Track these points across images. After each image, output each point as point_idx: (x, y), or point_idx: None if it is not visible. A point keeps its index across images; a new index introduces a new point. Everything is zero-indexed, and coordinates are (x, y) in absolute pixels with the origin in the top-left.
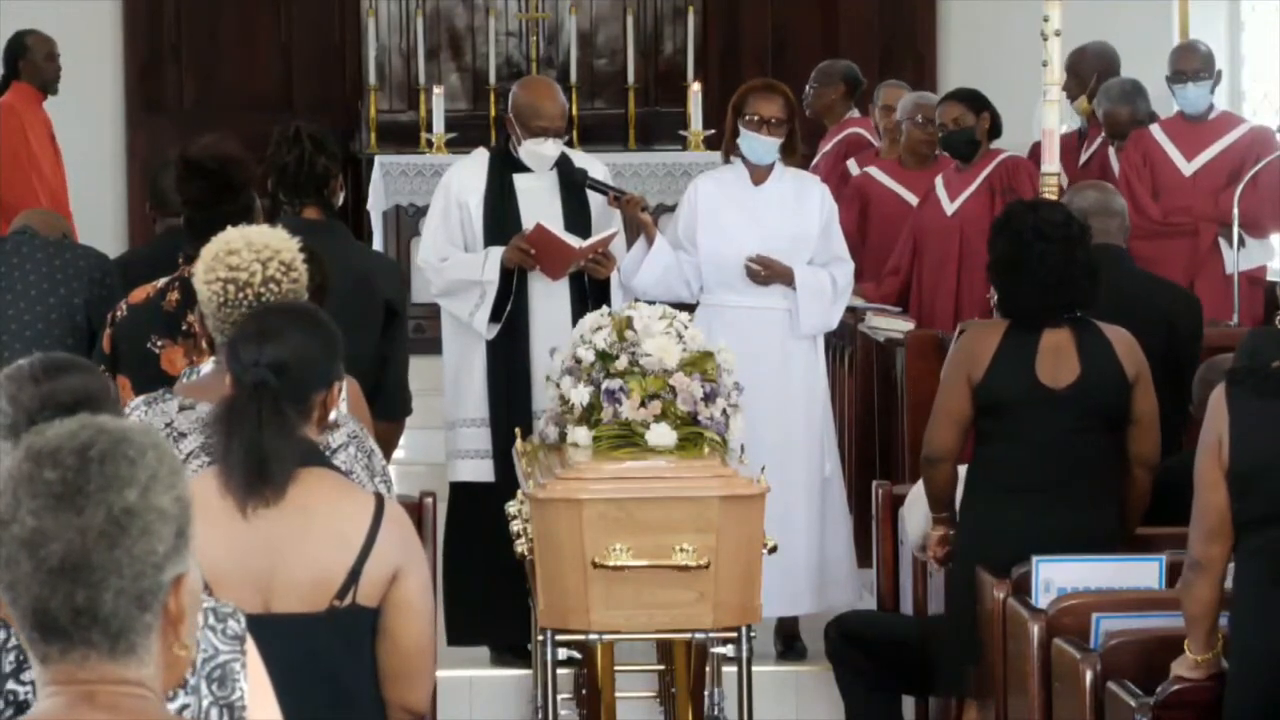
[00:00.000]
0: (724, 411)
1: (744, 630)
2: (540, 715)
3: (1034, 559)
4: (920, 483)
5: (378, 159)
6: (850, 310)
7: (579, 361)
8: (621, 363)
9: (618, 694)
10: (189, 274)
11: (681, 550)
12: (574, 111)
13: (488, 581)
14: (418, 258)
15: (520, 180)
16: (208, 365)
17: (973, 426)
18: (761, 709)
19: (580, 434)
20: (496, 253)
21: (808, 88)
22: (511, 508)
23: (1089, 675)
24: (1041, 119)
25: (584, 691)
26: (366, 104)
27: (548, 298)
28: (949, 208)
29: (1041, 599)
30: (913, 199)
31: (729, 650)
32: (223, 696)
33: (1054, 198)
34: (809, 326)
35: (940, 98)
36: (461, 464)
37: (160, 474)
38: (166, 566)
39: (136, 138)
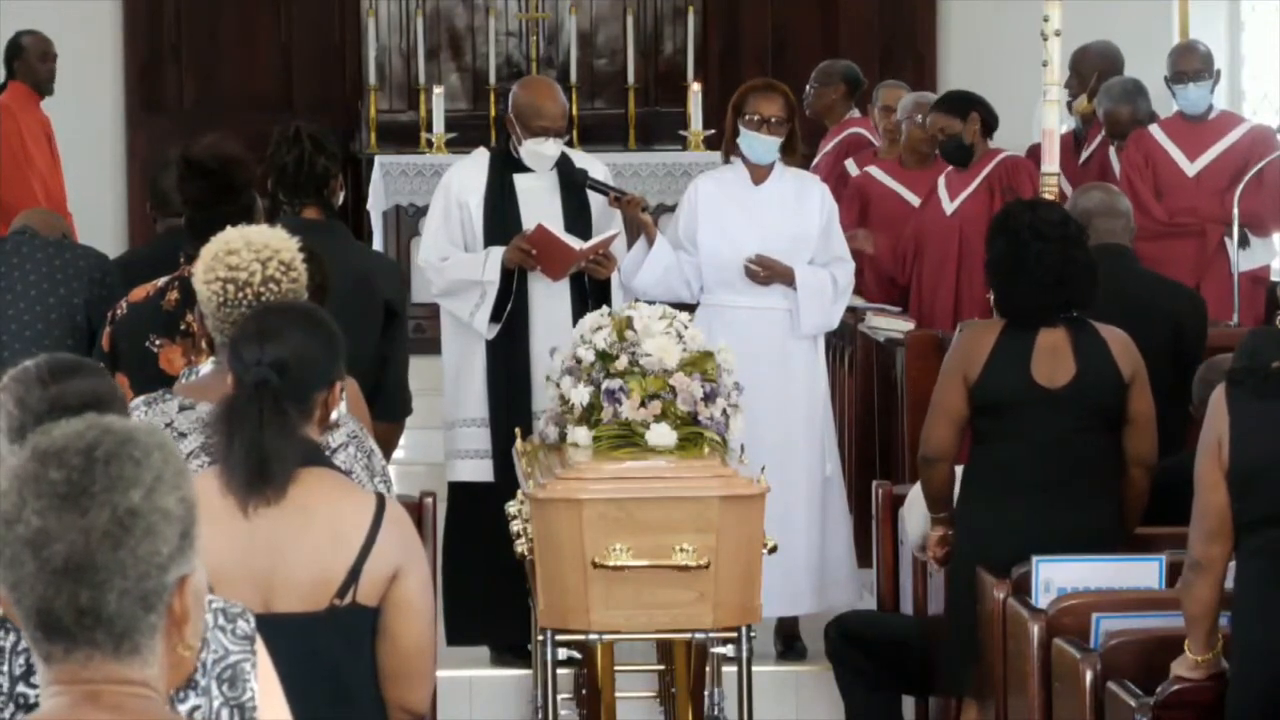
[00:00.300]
0: (724, 411)
1: (744, 630)
2: (540, 715)
3: (1034, 559)
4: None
5: (378, 159)
6: (850, 310)
7: (579, 361)
8: (621, 363)
9: (618, 694)
10: (189, 274)
11: (681, 550)
12: (574, 111)
13: (488, 581)
14: (418, 257)
15: (520, 180)
16: (207, 365)
17: (969, 426)
18: (761, 709)
19: (580, 434)
20: (497, 253)
21: (808, 88)
22: (511, 508)
23: (1089, 675)
24: (1041, 119)
25: (584, 691)
26: (366, 104)
27: (548, 298)
28: (948, 207)
29: (1041, 599)
30: (913, 198)
31: (729, 650)
32: (233, 697)
33: (1053, 198)
34: (809, 326)
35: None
36: (461, 464)
37: (165, 475)
38: (171, 567)
39: (136, 138)
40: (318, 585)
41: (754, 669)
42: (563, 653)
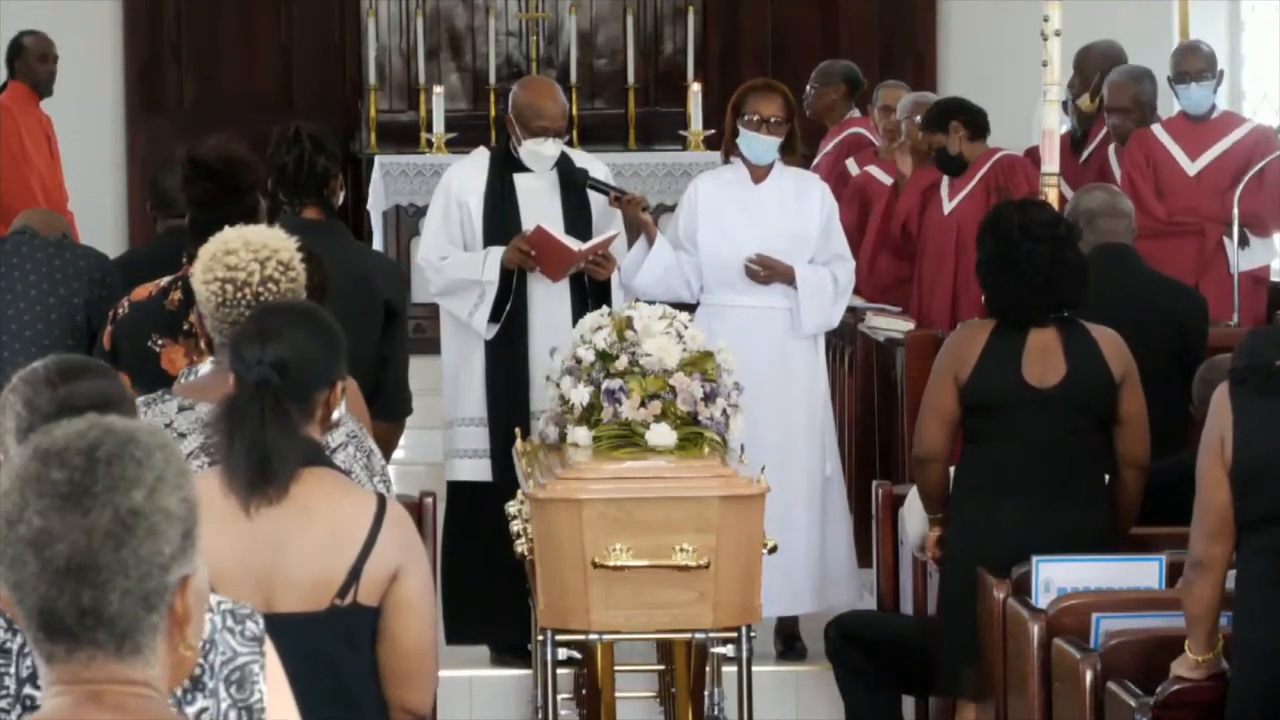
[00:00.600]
0: (724, 411)
1: (744, 630)
2: (540, 715)
3: (1034, 559)
4: None
5: (378, 159)
6: (850, 310)
7: (579, 361)
8: (621, 363)
9: (618, 694)
10: (191, 274)
11: (681, 550)
12: (574, 111)
13: (488, 581)
14: (418, 257)
15: (520, 180)
16: (206, 366)
17: (961, 426)
18: (761, 709)
19: (580, 434)
20: (496, 252)
21: (808, 88)
22: (511, 508)
23: (1089, 675)
24: (1041, 119)
25: (584, 691)
26: (366, 104)
27: (547, 298)
28: (946, 207)
29: (1041, 599)
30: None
31: (729, 650)
32: (241, 699)
33: (1053, 198)
34: (810, 326)
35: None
36: (459, 463)
37: (167, 475)
38: (173, 567)
39: (136, 138)
40: (318, 585)
41: (754, 669)
42: (563, 653)
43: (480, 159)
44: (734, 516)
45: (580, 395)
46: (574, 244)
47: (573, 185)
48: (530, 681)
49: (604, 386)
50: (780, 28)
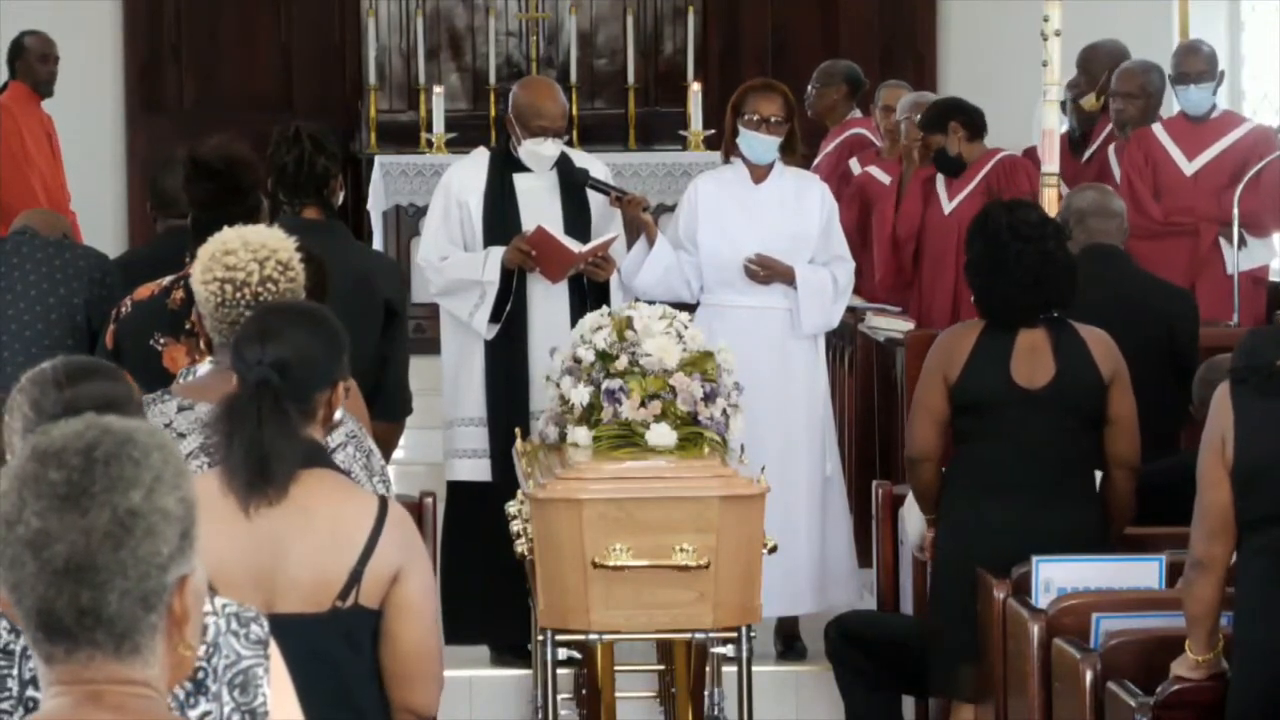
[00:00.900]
0: (724, 411)
1: (744, 630)
2: (540, 715)
3: (1034, 559)
4: None
5: (378, 159)
6: (850, 310)
7: (579, 361)
8: (621, 363)
9: (618, 694)
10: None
11: (681, 550)
12: (574, 111)
13: (488, 581)
14: (418, 257)
15: (520, 180)
16: (205, 366)
17: (951, 426)
18: (761, 709)
19: (580, 434)
20: (497, 253)
21: (809, 88)
22: (511, 508)
23: (1089, 675)
24: (1041, 119)
25: (584, 691)
26: (366, 104)
27: (547, 298)
28: (946, 207)
29: (1041, 599)
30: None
31: (729, 650)
32: (245, 703)
33: (1053, 198)
34: (810, 326)
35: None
36: (459, 463)
37: (165, 475)
38: (171, 567)
39: (136, 138)
40: (319, 587)
41: (754, 669)
42: (563, 653)
43: (480, 159)
44: (734, 516)
45: (580, 395)
46: (574, 245)
47: (573, 185)
48: (530, 681)
49: (604, 386)
50: (780, 28)
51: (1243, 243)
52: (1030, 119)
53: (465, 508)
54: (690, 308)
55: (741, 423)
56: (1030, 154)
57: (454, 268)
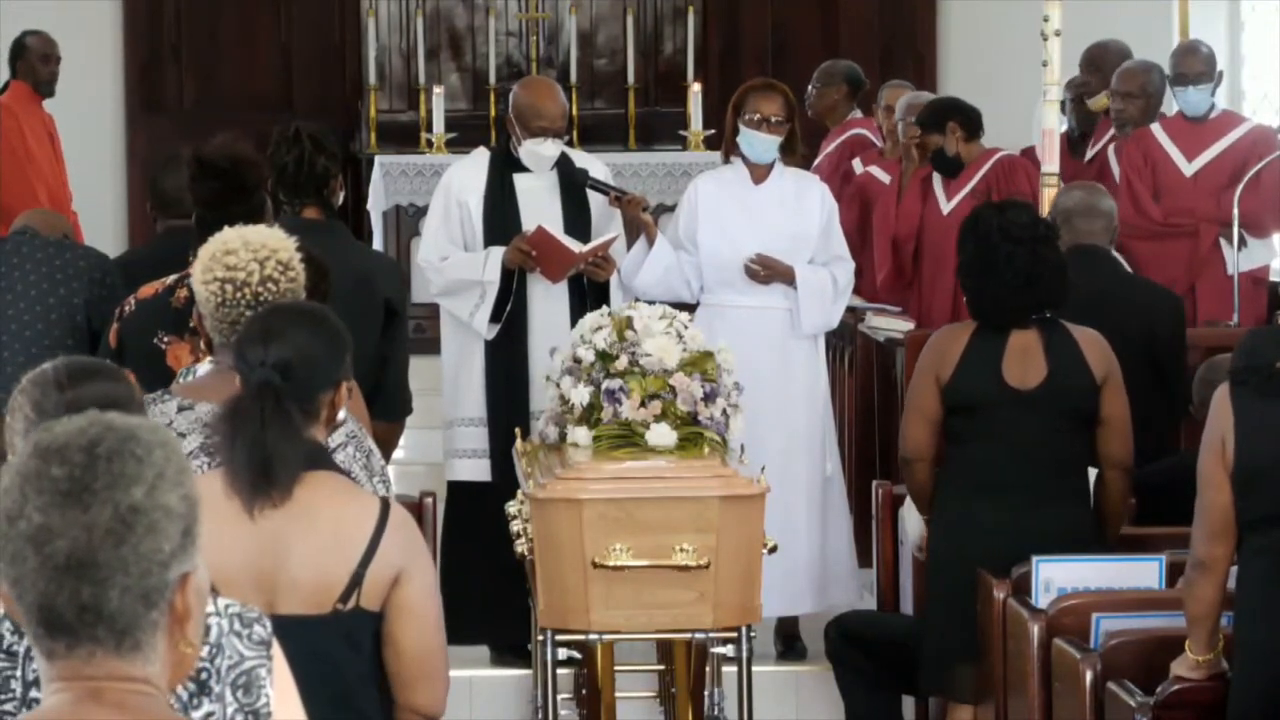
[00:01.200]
0: (724, 411)
1: (744, 630)
2: (540, 715)
3: (1034, 559)
4: None
5: (378, 159)
6: (850, 310)
7: (579, 361)
8: (621, 363)
9: (618, 694)
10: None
11: (681, 550)
12: (574, 111)
13: (487, 581)
14: (418, 257)
15: (520, 180)
16: (205, 366)
17: (944, 427)
18: (761, 709)
19: (580, 434)
20: (497, 253)
21: (810, 88)
22: (511, 508)
23: (1089, 675)
24: (1041, 119)
25: (584, 691)
26: (366, 104)
27: (547, 298)
28: (945, 207)
29: (1041, 599)
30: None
31: (729, 650)
32: (248, 703)
33: (1053, 199)
34: (810, 326)
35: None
36: (459, 463)
37: (167, 472)
38: (173, 564)
39: (136, 138)
40: (321, 588)
41: (754, 669)
42: (563, 653)
43: (480, 159)
44: (734, 516)
45: (580, 395)
46: (574, 245)
47: (573, 185)
48: (530, 681)
49: (604, 386)
50: (780, 28)
51: (1243, 243)
52: (1030, 119)
53: (465, 508)
54: (690, 308)
55: (741, 423)
56: (1028, 154)
57: (454, 268)
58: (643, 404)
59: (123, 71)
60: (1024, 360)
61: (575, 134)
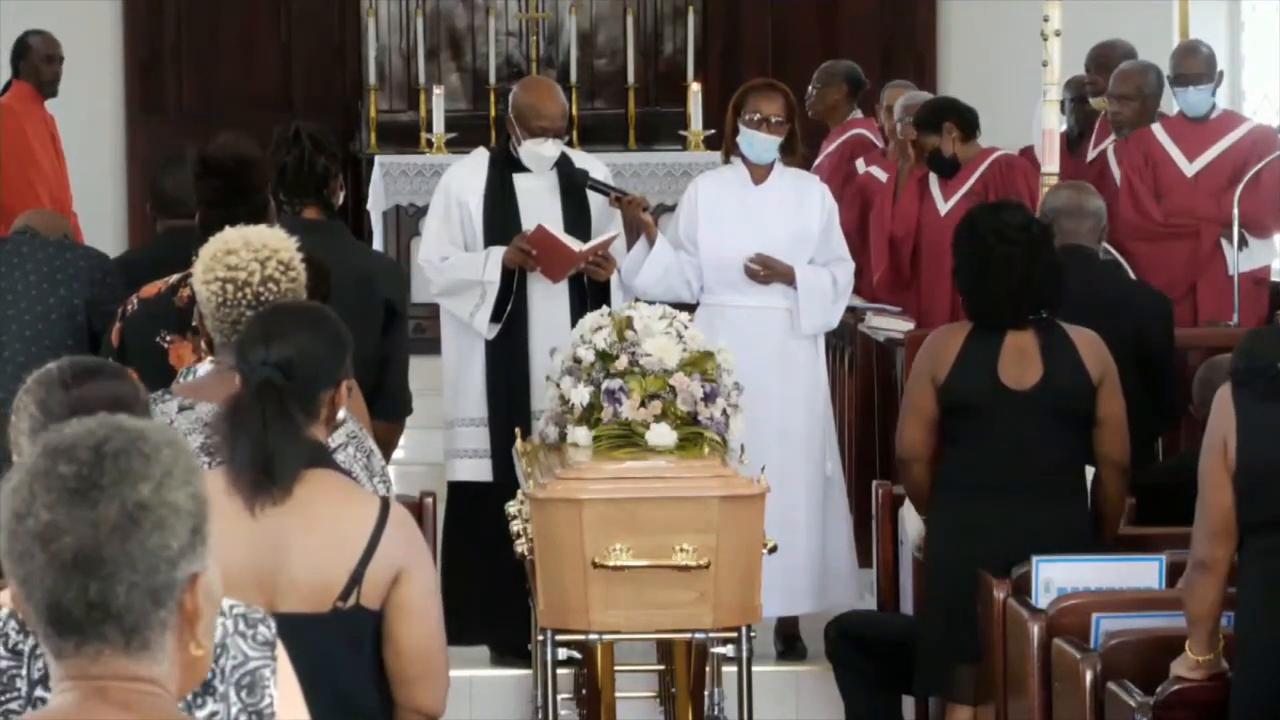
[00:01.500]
0: (724, 411)
1: (744, 630)
2: (540, 715)
3: (1034, 559)
4: None
5: (378, 159)
6: (850, 310)
7: (579, 361)
8: (621, 363)
9: (618, 694)
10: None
11: (681, 550)
12: (574, 111)
13: (488, 581)
14: (418, 257)
15: (520, 180)
16: (205, 366)
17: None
18: (761, 709)
19: (580, 434)
20: (498, 252)
21: (810, 88)
22: (511, 508)
23: (1089, 675)
24: (1041, 119)
25: (584, 691)
26: (366, 104)
27: (547, 298)
28: (943, 208)
29: (1041, 599)
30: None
31: (729, 650)
32: (251, 704)
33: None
34: (810, 326)
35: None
36: (460, 463)
37: (175, 470)
38: (181, 563)
39: (136, 138)
40: (321, 587)
41: (754, 669)
42: (563, 653)
43: (480, 159)
44: (734, 516)
45: (580, 395)
46: (575, 244)
47: (573, 186)
48: (530, 681)
49: (604, 386)
50: (780, 28)
51: (1243, 243)
52: (1030, 119)
53: (465, 508)
54: (690, 308)
55: (741, 423)
56: (1027, 154)
57: (455, 268)
58: (643, 404)
59: (123, 71)
60: (1020, 361)
61: (575, 134)
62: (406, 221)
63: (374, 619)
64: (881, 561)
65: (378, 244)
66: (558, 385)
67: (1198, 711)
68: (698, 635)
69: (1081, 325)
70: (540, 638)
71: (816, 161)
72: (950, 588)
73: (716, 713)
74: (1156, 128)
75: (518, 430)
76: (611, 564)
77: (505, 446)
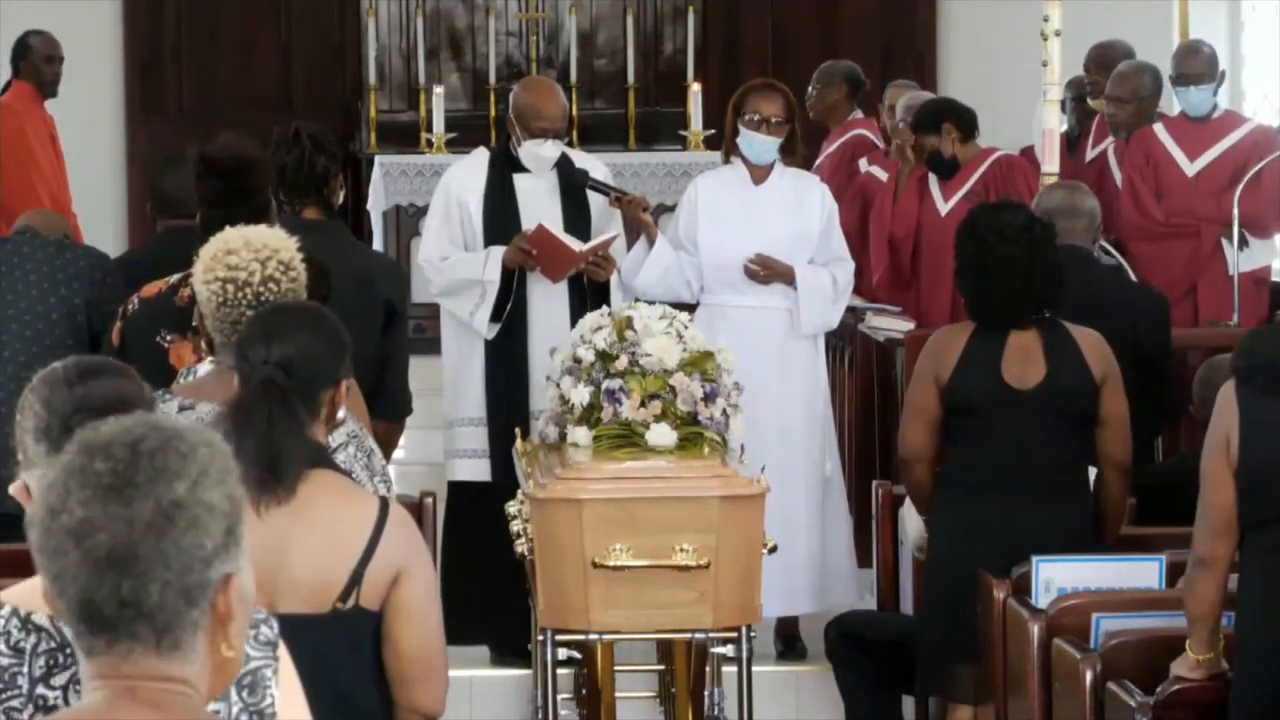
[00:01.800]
0: (724, 411)
1: (744, 630)
2: (540, 715)
3: (1034, 559)
4: None
5: (378, 159)
6: (850, 310)
7: (579, 361)
8: (621, 363)
9: (618, 694)
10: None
11: (681, 550)
12: (574, 111)
13: (488, 581)
14: (418, 257)
15: (520, 180)
16: (205, 366)
17: (943, 427)
18: (761, 709)
19: (580, 434)
20: (498, 252)
21: (810, 89)
22: (511, 508)
23: (1089, 675)
24: (1041, 119)
25: (584, 691)
26: (366, 104)
27: (547, 298)
28: (942, 208)
29: (1041, 599)
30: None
31: (729, 650)
32: (253, 704)
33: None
34: (810, 326)
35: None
36: (459, 463)
37: (211, 470)
38: (215, 563)
39: (136, 138)
40: (320, 588)
41: (754, 669)
42: (563, 653)
43: (480, 159)
44: (734, 516)
45: (580, 395)
46: (575, 244)
47: (573, 186)
48: (530, 681)
49: (604, 386)
50: (780, 27)
51: (1244, 243)
52: (1030, 119)
53: (465, 508)
54: (690, 308)
55: (741, 423)
56: (1027, 154)
57: (455, 268)
58: (643, 404)
59: (123, 72)
60: (1023, 360)
61: (575, 134)
62: (406, 221)
63: (374, 619)
64: (881, 561)
65: (378, 244)
66: (558, 385)
67: (1198, 711)
68: (698, 635)
69: (1078, 324)
70: (540, 638)
71: (817, 162)
72: (951, 588)
73: (716, 713)
74: (1158, 127)
75: (518, 430)
76: (611, 564)
77: (505, 446)
